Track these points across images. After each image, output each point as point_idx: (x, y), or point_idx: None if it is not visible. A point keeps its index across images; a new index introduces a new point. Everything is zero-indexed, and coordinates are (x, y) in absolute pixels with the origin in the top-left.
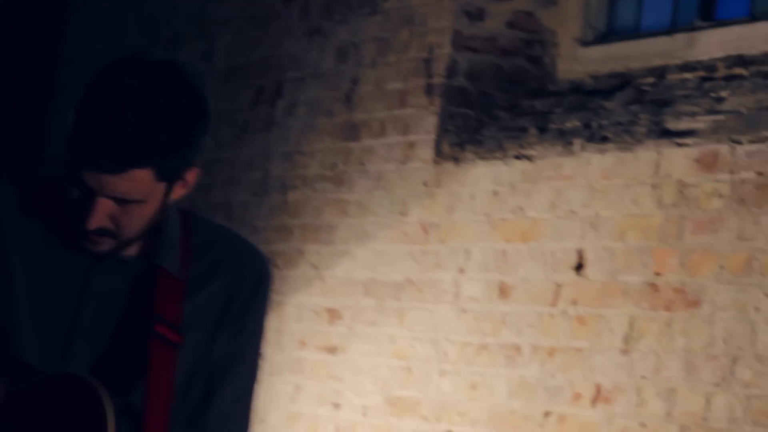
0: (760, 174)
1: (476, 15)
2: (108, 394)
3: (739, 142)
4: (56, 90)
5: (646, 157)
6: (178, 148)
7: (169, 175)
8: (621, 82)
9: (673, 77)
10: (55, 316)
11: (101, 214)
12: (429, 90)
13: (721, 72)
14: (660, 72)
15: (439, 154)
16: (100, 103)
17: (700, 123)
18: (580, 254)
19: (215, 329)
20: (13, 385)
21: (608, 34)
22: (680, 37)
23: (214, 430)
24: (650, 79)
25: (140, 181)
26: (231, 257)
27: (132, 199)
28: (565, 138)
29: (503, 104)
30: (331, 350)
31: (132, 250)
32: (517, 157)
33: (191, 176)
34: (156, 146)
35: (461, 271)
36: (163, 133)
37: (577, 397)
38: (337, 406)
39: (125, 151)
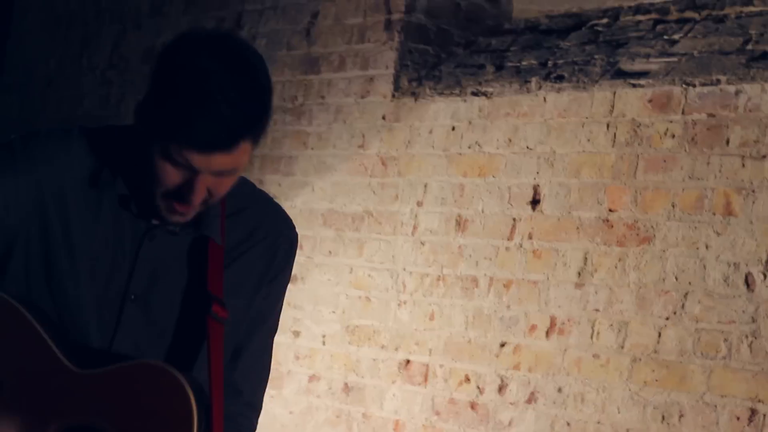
0: (711, 116)
1: None
2: (194, 392)
3: (692, 85)
4: (12, 16)
5: (601, 96)
6: (268, 116)
7: (259, 141)
8: (576, 23)
9: (626, 19)
10: (109, 281)
11: (203, 189)
12: (388, 25)
13: (674, 15)
14: (614, 13)
15: (398, 89)
16: (194, 87)
17: (654, 65)
18: (536, 190)
19: (254, 295)
20: (87, 368)
21: None
22: None
23: (241, 383)
24: (605, 20)
25: (244, 153)
26: (265, 224)
27: (235, 171)
28: (521, 76)
29: (461, 41)
30: (291, 279)
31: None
32: (475, 94)
33: None
34: (254, 118)
35: (419, 203)
36: (257, 104)
37: (533, 328)
38: (296, 334)
39: (235, 127)
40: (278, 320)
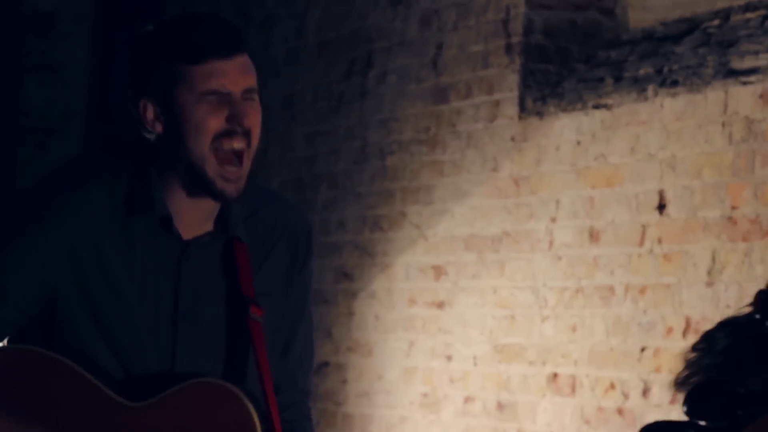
0: None
1: None
2: (248, 398)
3: None
4: None
5: (714, 97)
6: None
7: (257, 70)
8: (689, 27)
9: (736, 18)
10: (157, 308)
11: (245, 111)
12: (509, 49)
13: None
14: (725, 13)
15: (524, 110)
16: (181, 18)
17: (763, 60)
18: (661, 194)
19: (287, 288)
20: (145, 398)
21: None
22: None
23: (294, 373)
24: (716, 21)
25: (251, 68)
26: (281, 220)
27: (254, 87)
28: (639, 85)
29: (580, 57)
30: (439, 305)
31: (207, 225)
32: (596, 107)
33: None
34: (243, 34)
35: (553, 219)
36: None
37: (669, 330)
38: (449, 358)
39: (235, 30)
40: (311, 310)
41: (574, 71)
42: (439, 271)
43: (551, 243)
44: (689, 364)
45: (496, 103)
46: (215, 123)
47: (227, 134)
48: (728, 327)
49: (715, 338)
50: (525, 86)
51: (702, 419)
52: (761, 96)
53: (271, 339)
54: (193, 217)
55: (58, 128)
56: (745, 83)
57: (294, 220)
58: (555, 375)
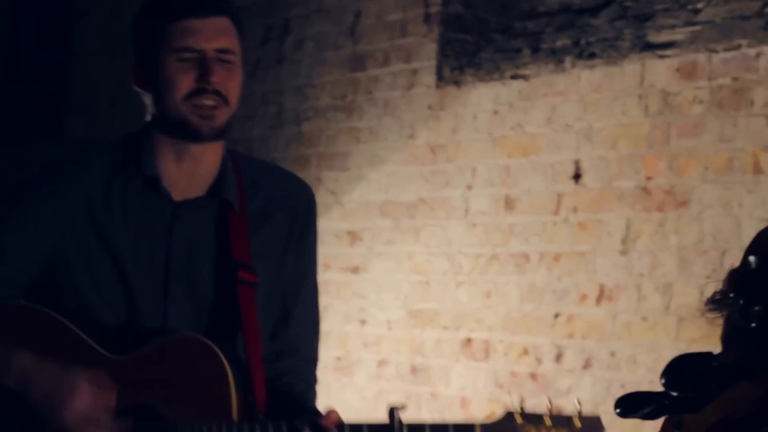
0: (735, 79)
1: None
2: (224, 353)
3: (715, 51)
4: (73, 40)
5: (631, 69)
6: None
7: (241, 34)
8: (605, 0)
9: None
10: (150, 265)
11: (216, 70)
12: (427, 18)
13: None
14: None
15: (441, 79)
16: None
17: (679, 35)
18: (577, 164)
19: (282, 256)
20: (131, 351)
21: None
22: None
23: (296, 341)
24: None
25: (230, 30)
26: (283, 189)
27: (231, 48)
28: (556, 56)
29: (498, 27)
30: (354, 270)
31: (201, 190)
32: (514, 77)
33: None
34: (230, 2)
35: (469, 187)
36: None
37: (583, 297)
38: (363, 322)
39: None
40: (317, 283)
41: (491, 41)
42: (354, 237)
43: (467, 210)
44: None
45: (414, 72)
46: (186, 81)
47: (199, 92)
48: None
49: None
50: (443, 55)
51: (678, 391)
52: (677, 69)
53: (266, 303)
54: (186, 180)
55: None
56: (661, 56)
57: (295, 192)
58: (469, 340)
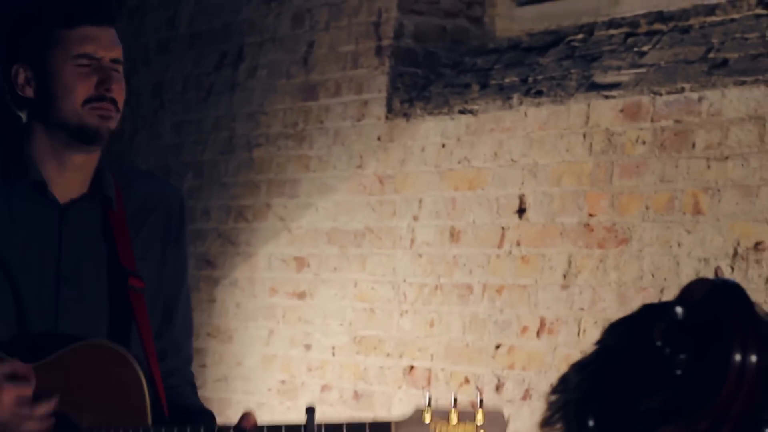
0: (677, 122)
1: None
2: (131, 355)
3: (659, 93)
4: None
5: (576, 108)
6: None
7: (128, 57)
8: (554, 39)
9: (600, 33)
10: (40, 270)
11: (113, 76)
12: (379, 51)
13: (644, 28)
14: (589, 29)
15: (391, 111)
16: None
17: (624, 76)
18: (522, 199)
19: (162, 257)
20: (38, 359)
21: None
22: None
23: (179, 340)
24: (580, 36)
25: (118, 41)
26: (156, 191)
27: (121, 60)
28: (504, 93)
29: (448, 62)
30: (301, 296)
31: (83, 188)
32: (462, 112)
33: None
34: (111, 6)
35: (415, 218)
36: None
37: (524, 329)
38: (308, 347)
39: (107, 4)
40: (188, 282)
41: (441, 76)
42: (301, 263)
43: (413, 240)
44: (550, 406)
45: (365, 103)
46: (85, 87)
47: (97, 99)
48: (585, 366)
49: (569, 380)
50: (393, 88)
51: None
52: (622, 110)
53: (150, 305)
54: (68, 181)
55: None
56: (606, 97)
57: (167, 193)
58: (411, 368)
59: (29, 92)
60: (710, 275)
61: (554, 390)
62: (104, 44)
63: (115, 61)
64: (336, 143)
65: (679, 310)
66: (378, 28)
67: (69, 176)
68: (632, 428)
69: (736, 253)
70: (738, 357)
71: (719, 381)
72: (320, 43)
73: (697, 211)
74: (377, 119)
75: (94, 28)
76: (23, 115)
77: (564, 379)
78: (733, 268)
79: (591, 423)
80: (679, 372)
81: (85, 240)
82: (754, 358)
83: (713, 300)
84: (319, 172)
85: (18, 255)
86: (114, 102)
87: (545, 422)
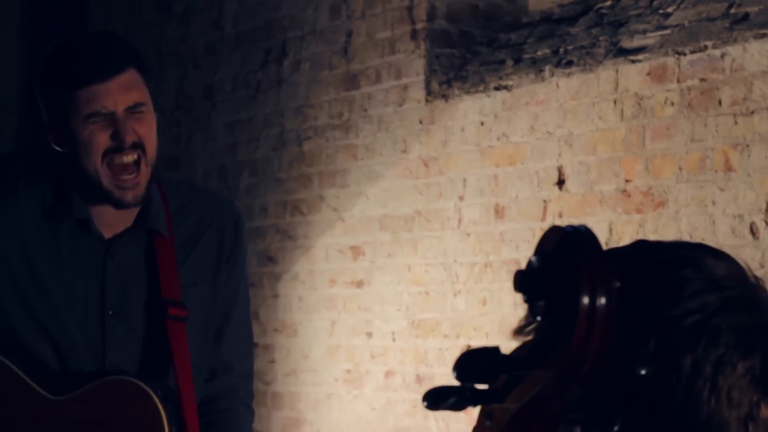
0: (702, 80)
1: None
2: (158, 393)
3: (683, 53)
4: None
5: (605, 75)
6: (139, 53)
7: (148, 77)
8: (583, 8)
9: None
10: (86, 305)
11: (129, 129)
12: (414, 35)
13: None
14: None
15: (430, 93)
16: (71, 44)
17: (650, 39)
18: (560, 170)
19: (214, 279)
20: (65, 393)
21: None
22: None
23: (229, 358)
24: (608, 2)
25: (140, 84)
26: (209, 212)
27: (141, 101)
28: (537, 66)
29: (483, 40)
30: (359, 284)
31: (129, 222)
32: (497, 88)
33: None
34: (129, 47)
35: (461, 198)
36: (124, 40)
37: None
38: (369, 334)
39: (116, 50)
40: (249, 299)
41: (477, 54)
42: (357, 252)
43: (460, 221)
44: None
45: (404, 88)
46: (101, 141)
47: (116, 150)
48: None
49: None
50: (431, 70)
51: (466, 381)
52: (648, 73)
53: (203, 327)
54: (114, 217)
55: None
56: (633, 61)
57: (221, 211)
58: (468, 347)
59: (64, 149)
60: (746, 231)
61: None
62: (113, 98)
63: (131, 107)
64: (380, 130)
65: (534, 259)
66: (411, 12)
67: (114, 213)
68: (492, 375)
69: None
70: (586, 300)
71: (572, 325)
72: (358, 32)
73: (728, 168)
74: (417, 103)
75: (100, 85)
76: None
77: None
78: (767, 223)
79: (454, 373)
80: (539, 318)
81: (129, 273)
82: (603, 300)
83: (564, 247)
84: (366, 160)
85: (64, 293)
86: (136, 146)
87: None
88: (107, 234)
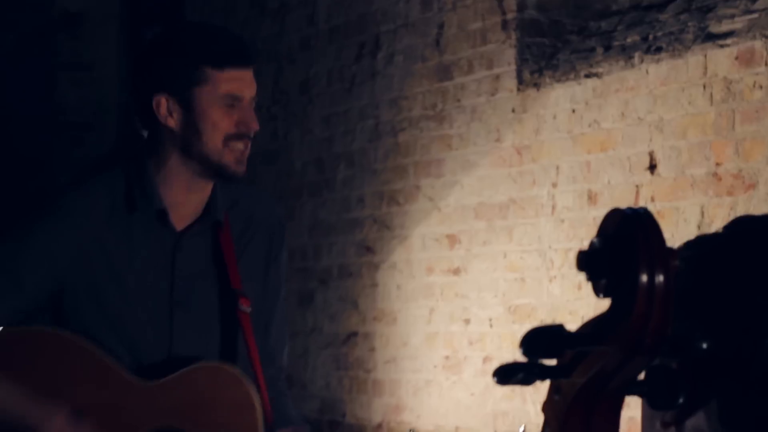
0: None
1: None
2: (245, 377)
3: None
4: None
5: (694, 60)
6: None
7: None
8: None
9: None
10: (155, 295)
11: (254, 116)
12: (505, 25)
13: None
14: None
15: (522, 83)
16: (203, 27)
17: (738, 23)
18: (651, 155)
19: (264, 275)
20: (159, 378)
21: None
22: None
23: (272, 352)
24: None
25: (255, 81)
26: (258, 211)
27: (256, 97)
28: (626, 53)
29: (573, 29)
30: (455, 272)
31: (198, 210)
32: (588, 76)
33: None
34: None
35: (554, 185)
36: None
37: None
38: (467, 321)
39: (249, 47)
40: (285, 291)
41: (567, 43)
42: (453, 240)
43: (553, 207)
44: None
45: (496, 77)
46: (228, 124)
47: (237, 137)
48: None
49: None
50: (522, 60)
51: (532, 357)
52: (737, 57)
53: (255, 322)
54: (188, 209)
55: (92, 124)
56: (722, 46)
57: (269, 212)
58: None
59: (171, 123)
60: None
61: None
62: (247, 85)
63: (253, 98)
64: (474, 120)
65: (595, 240)
66: (501, 2)
67: (191, 199)
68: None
69: None
70: (645, 277)
71: (633, 301)
72: (449, 23)
73: None
74: (509, 92)
75: (240, 70)
76: (151, 143)
77: None
78: None
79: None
80: (601, 295)
81: (197, 264)
82: (661, 277)
83: (624, 229)
84: (460, 150)
85: (134, 282)
86: (251, 138)
87: None
88: (179, 226)
